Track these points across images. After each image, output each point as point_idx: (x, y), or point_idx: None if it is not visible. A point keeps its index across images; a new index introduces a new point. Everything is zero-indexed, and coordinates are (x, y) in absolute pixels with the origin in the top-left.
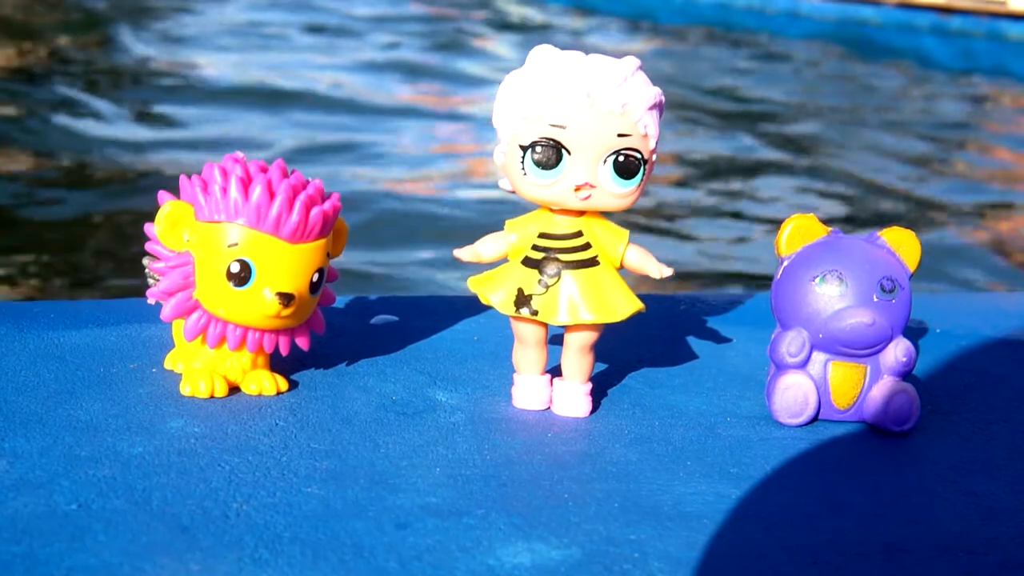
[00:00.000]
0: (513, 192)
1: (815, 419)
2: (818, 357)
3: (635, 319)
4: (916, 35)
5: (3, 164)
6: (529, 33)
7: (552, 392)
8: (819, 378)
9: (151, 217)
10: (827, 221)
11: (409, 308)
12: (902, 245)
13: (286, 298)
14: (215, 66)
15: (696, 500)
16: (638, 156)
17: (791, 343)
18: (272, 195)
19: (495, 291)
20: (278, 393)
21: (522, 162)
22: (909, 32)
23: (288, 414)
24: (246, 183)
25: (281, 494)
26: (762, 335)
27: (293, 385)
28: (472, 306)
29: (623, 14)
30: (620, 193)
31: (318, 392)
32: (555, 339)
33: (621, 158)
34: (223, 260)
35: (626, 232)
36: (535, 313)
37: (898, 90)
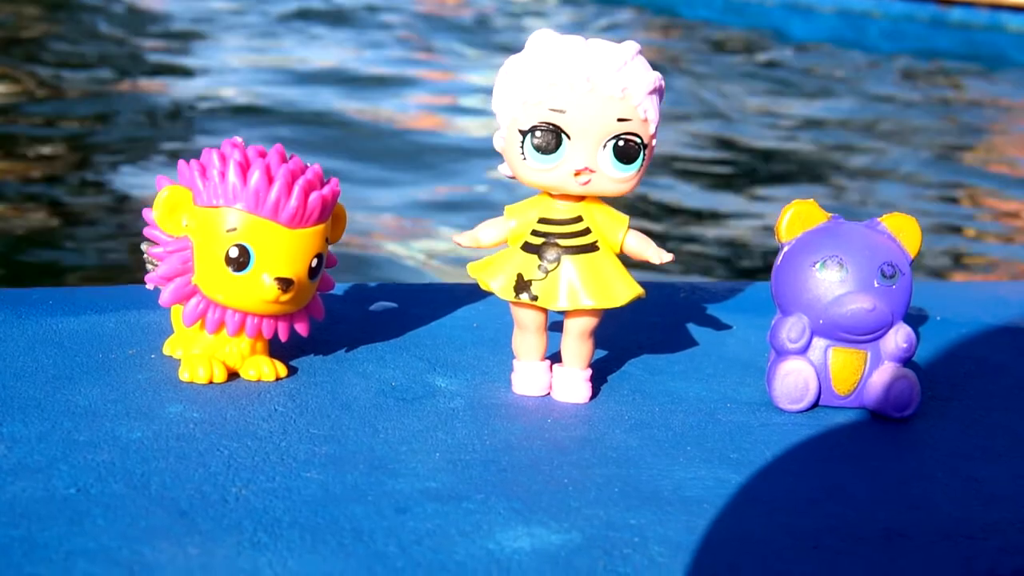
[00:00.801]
0: (512, 177)
1: (815, 405)
2: (818, 343)
3: (635, 305)
4: (916, 27)
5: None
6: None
7: (552, 378)
8: (819, 364)
9: (150, 202)
10: (826, 208)
11: (408, 294)
12: (902, 231)
13: (285, 283)
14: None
15: (696, 485)
16: (638, 141)
17: (791, 329)
18: (271, 180)
19: (495, 277)
20: (277, 379)
21: (521, 147)
22: (909, 24)
23: (287, 399)
24: (244, 168)
25: (280, 479)
26: (762, 321)
27: (292, 371)
28: (472, 292)
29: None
30: (620, 178)
31: (317, 378)
32: (555, 325)
33: (621, 143)
34: (221, 245)
35: (626, 217)
36: (535, 299)
37: (899, 81)
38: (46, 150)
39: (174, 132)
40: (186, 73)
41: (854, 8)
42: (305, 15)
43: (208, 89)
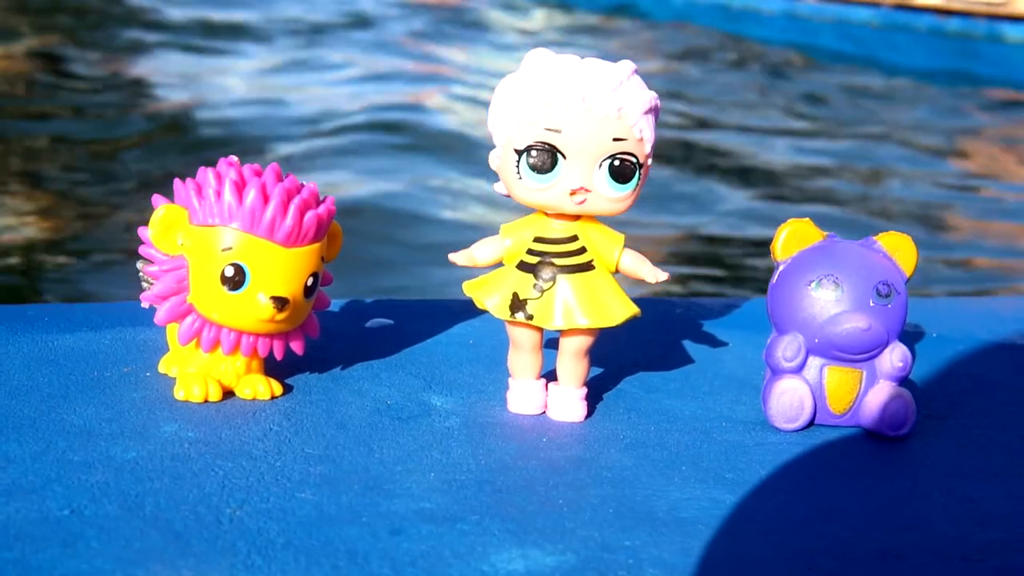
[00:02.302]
0: (508, 196)
1: (811, 424)
2: (814, 362)
3: (630, 323)
4: (914, 36)
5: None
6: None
7: (547, 397)
8: (815, 383)
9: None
10: (823, 226)
11: (404, 312)
12: (898, 249)
13: (280, 302)
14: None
15: (691, 506)
16: (633, 160)
17: (787, 348)
18: (266, 199)
19: (490, 295)
20: (272, 397)
21: (517, 166)
22: (906, 33)
23: (282, 418)
24: (240, 187)
25: (275, 499)
26: (758, 339)
27: (287, 389)
28: (467, 310)
29: None
30: (615, 197)
31: (312, 396)
32: (550, 343)
33: (616, 162)
34: (217, 264)
35: (622, 236)
36: (530, 317)
37: (894, 91)
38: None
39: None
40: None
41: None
42: None
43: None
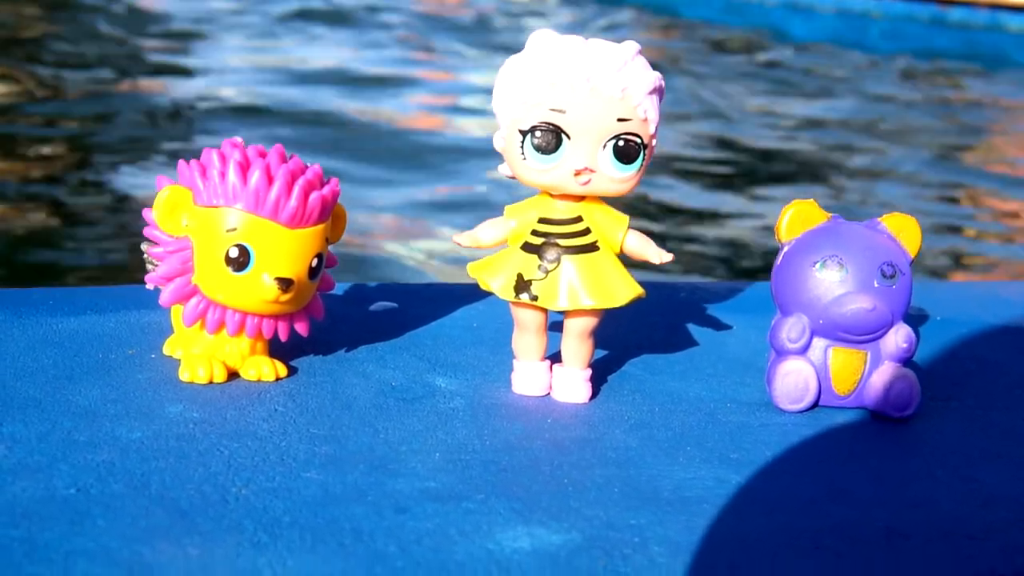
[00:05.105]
0: (512, 177)
1: (815, 405)
2: (818, 343)
3: (635, 305)
4: (916, 27)
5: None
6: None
7: (552, 378)
8: (819, 364)
9: (150, 202)
10: (826, 208)
11: (408, 294)
12: (903, 231)
13: (285, 283)
14: (210, 55)
15: (696, 485)
16: (638, 141)
17: (791, 329)
18: (271, 180)
19: (495, 276)
20: (277, 379)
21: (521, 147)
22: (909, 23)
23: (287, 399)
24: (244, 168)
25: (280, 479)
26: (762, 321)
27: (292, 371)
28: (471, 292)
29: None
30: (620, 178)
31: (317, 378)
32: (555, 325)
33: (621, 143)
34: (222, 245)
35: (626, 217)
36: (535, 298)
37: (899, 81)
38: (46, 150)
39: (174, 132)
40: (186, 73)
41: (854, 8)
42: (305, 15)
43: (208, 89)
